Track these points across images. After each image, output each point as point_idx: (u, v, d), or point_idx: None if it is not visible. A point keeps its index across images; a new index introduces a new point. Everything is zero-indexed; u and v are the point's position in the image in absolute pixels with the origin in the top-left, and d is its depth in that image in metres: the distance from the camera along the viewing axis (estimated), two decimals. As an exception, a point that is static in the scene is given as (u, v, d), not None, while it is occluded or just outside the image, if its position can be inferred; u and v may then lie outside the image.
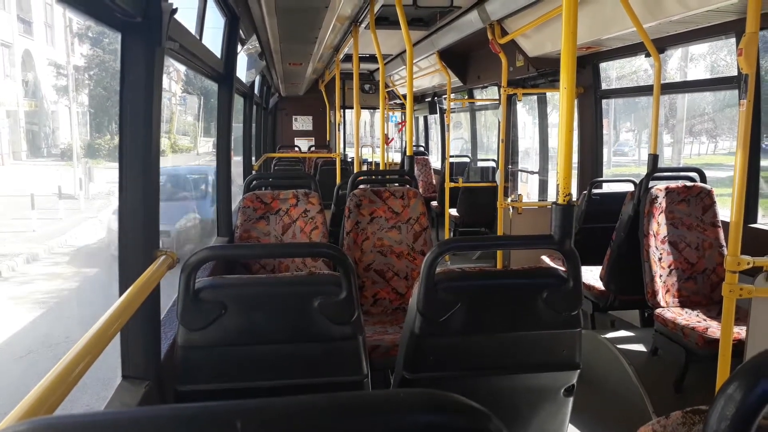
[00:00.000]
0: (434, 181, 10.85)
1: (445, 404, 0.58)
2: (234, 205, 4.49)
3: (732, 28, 3.73)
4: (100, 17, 1.64)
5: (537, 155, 7.08)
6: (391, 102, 12.56)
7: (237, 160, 4.65)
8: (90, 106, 27.88)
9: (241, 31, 4.39)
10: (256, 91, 7.57)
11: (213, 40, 3.80)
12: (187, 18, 2.80)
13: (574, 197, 2.80)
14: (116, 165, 1.79)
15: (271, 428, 0.55)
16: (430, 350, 2.00)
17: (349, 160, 9.69)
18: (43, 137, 25.55)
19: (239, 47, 4.38)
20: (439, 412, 0.58)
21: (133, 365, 1.85)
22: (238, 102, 6.05)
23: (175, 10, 1.87)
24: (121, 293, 1.65)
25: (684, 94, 9.34)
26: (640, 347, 3.81)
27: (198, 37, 3.08)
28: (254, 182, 4.32)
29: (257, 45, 5.45)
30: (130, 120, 1.76)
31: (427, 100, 11.20)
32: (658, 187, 3.80)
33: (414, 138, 7.74)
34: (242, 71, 5.17)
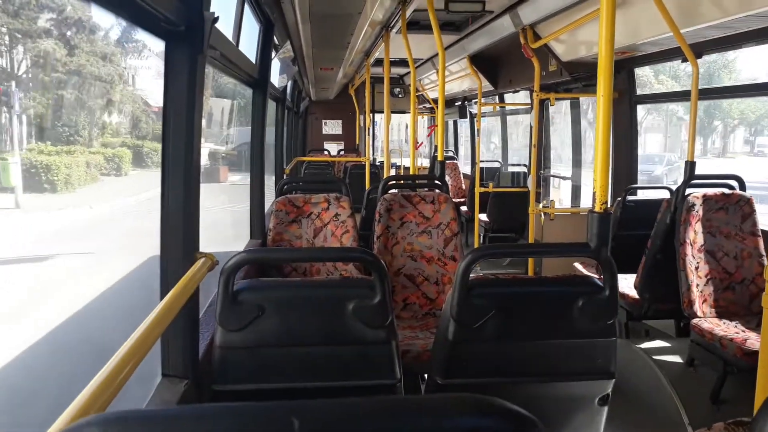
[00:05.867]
0: (464, 185, 10.80)
1: (492, 409, 0.60)
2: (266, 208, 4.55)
3: None
4: (147, 26, 1.69)
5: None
6: (420, 106, 12.56)
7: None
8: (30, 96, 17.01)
9: (275, 37, 4.45)
10: (287, 95, 7.66)
11: (248, 45, 3.87)
12: (223, 24, 2.86)
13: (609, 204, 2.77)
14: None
15: (326, 427, 0.57)
16: (464, 356, 2.00)
17: (378, 163, 9.72)
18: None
19: (273, 53, 4.44)
20: (487, 417, 0.59)
21: (172, 364, 1.90)
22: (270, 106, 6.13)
23: (216, 19, 1.92)
24: (162, 296, 1.69)
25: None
26: (675, 358, 3.74)
27: (235, 44, 3.14)
28: (286, 186, 4.37)
29: (290, 50, 5.53)
30: (173, 126, 1.80)
31: (456, 104, 11.18)
32: (695, 195, 3.73)
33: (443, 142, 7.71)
34: (275, 76, 5.25)
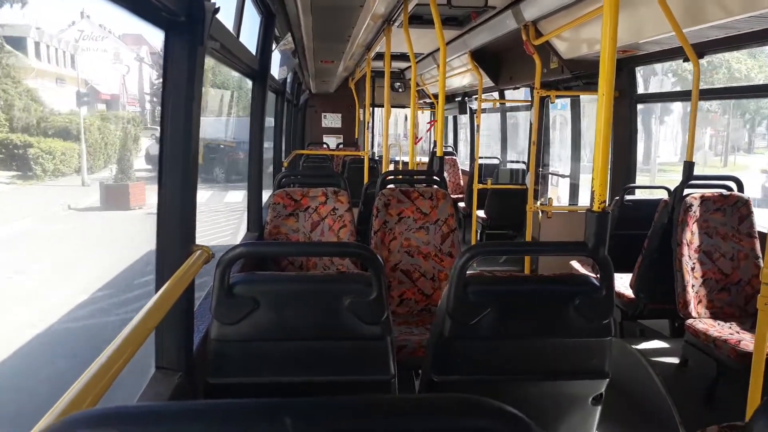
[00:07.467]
0: (462, 181, 10.80)
1: (484, 410, 0.60)
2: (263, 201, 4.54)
3: None
4: (147, 16, 1.68)
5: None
6: (421, 101, 12.52)
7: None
8: None
9: (275, 29, 4.43)
10: (287, 87, 7.63)
11: (248, 36, 3.84)
12: (224, 15, 2.84)
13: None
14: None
15: (317, 426, 0.56)
16: (459, 353, 2.00)
17: (377, 158, 9.70)
18: None
19: (274, 45, 4.42)
20: (481, 417, 0.59)
21: (166, 357, 1.89)
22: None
23: (217, 10, 1.90)
24: (158, 288, 1.69)
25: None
26: (669, 358, 3.75)
27: (236, 35, 3.12)
28: (284, 179, 4.36)
29: (291, 42, 5.50)
30: (171, 117, 1.79)
31: (457, 99, 11.15)
32: (693, 196, 3.73)
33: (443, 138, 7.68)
34: (275, 68, 5.22)
